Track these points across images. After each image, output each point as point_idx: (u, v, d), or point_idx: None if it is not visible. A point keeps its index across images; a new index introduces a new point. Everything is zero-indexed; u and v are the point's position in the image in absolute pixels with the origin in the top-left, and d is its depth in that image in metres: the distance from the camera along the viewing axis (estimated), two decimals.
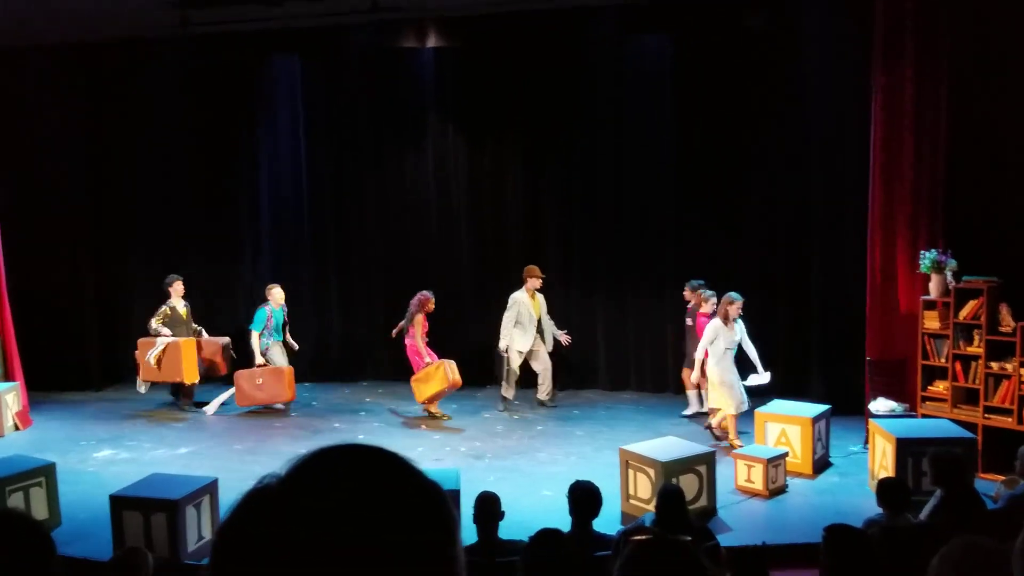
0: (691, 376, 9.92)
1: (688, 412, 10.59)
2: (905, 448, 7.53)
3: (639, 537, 2.45)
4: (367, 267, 12.56)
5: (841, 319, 9.76)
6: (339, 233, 12.73)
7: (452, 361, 10.58)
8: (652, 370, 11.43)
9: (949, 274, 8.72)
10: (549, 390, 11.15)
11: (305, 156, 12.66)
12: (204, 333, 11.52)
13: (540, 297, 11.02)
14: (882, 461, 7.87)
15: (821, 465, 8.72)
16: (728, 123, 11.14)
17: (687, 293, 10.50)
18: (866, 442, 8.58)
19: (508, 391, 11.01)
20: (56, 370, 12.55)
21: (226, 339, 11.48)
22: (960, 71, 9.02)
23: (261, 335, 11.16)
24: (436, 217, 12.37)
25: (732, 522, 7.45)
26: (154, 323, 11.08)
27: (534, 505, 7.60)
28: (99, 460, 9.59)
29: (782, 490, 8.12)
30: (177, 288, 11.24)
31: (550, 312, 11.16)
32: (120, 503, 6.83)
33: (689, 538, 2.58)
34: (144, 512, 6.73)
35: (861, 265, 9.71)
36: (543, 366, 11.07)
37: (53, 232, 12.39)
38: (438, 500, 1.04)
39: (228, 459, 9.38)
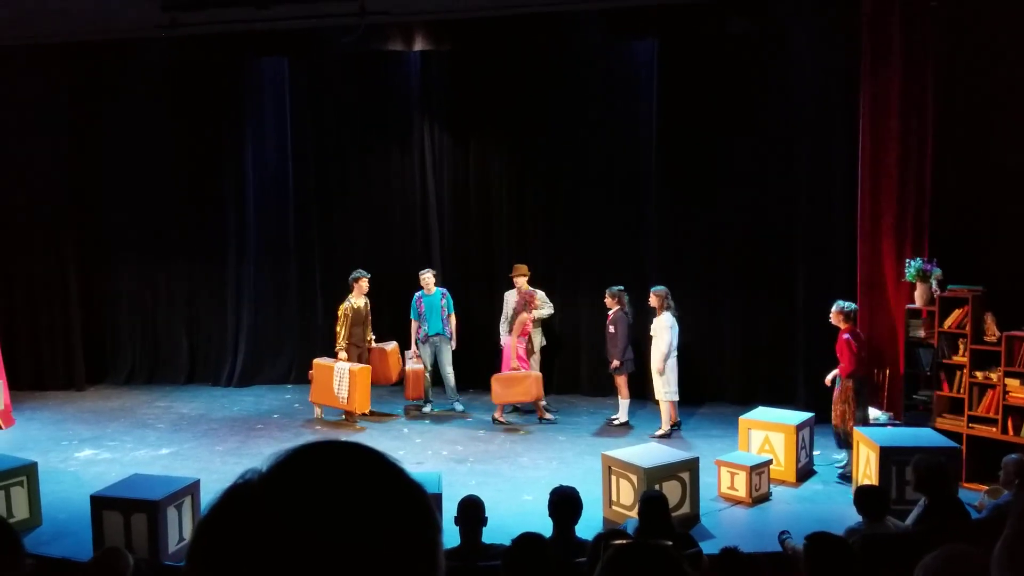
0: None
1: (618, 420, 10.55)
2: (888, 456, 7.53)
3: (620, 541, 2.43)
4: (352, 267, 12.54)
5: (827, 325, 9.77)
6: (324, 233, 12.71)
7: (540, 375, 10.52)
8: (635, 375, 11.35)
9: (934, 283, 8.74)
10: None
11: (291, 157, 12.64)
12: (374, 341, 11.03)
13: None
14: (866, 470, 7.88)
15: (805, 473, 8.73)
16: (714, 127, 11.15)
17: (608, 299, 10.46)
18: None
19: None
20: (39, 370, 12.50)
21: (394, 343, 11.14)
22: (947, 80, 9.07)
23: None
24: (421, 218, 12.36)
25: (715, 529, 7.45)
26: (340, 336, 10.57)
27: (515, 510, 7.57)
28: (80, 460, 9.54)
29: (765, 498, 8.13)
30: (362, 285, 10.78)
31: None
32: (100, 503, 6.79)
33: (670, 543, 2.57)
34: (124, 512, 6.70)
35: (847, 271, 9.75)
36: None
37: (36, 231, 12.33)
38: (419, 498, 1.03)
39: (210, 460, 9.35)
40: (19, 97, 11.97)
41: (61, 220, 12.40)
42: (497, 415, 10.63)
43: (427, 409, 11.10)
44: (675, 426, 10.14)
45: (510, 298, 10.95)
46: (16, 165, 12.15)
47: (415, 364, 10.98)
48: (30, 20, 10.37)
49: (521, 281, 10.85)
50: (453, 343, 10.98)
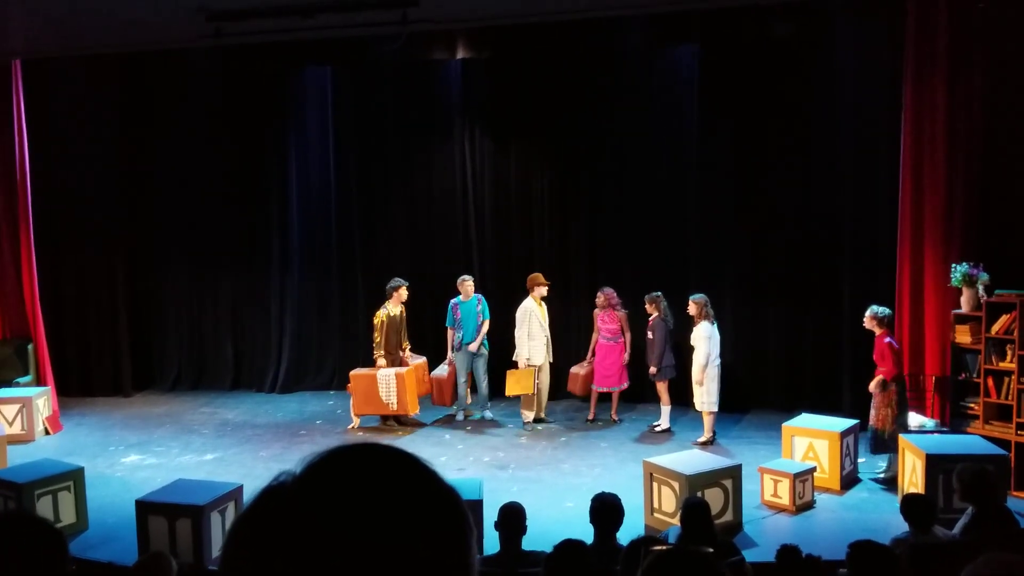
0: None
1: (660, 426, 10.47)
2: (935, 464, 7.42)
3: (659, 547, 2.43)
4: (393, 275, 12.61)
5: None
6: (366, 241, 12.80)
7: (587, 373, 10.73)
8: (677, 382, 11.29)
9: (981, 288, 8.60)
10: (544, 405, 10.96)
11: (334, 164, 12.75)
12: (408, 350, 11.01)
13: (544, 306, 10.89)
14: (912, 478, 7.76)
15: (849, 481, 8.61)
16: (757, 132, 11.08)
17: (648, 306, 10.38)
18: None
19: (530, 410, 10.80)
20: (86, 376, 12.71)
21: (423, 359, 11.12)
22: (994, 82, 8.91)
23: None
24: (462, 225, 12.41)
25: (758, 538, 7.38)
26: (377, 344, 10.59)
27: (556, 516, 7.57)
28: (127, 465, 9.69)
29: (809, 506, 8.04)
30: (401, 294, 10.71)
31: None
32: (146, 508, 6.89)
33: (711, 549, 2.55)
34: (169, 517, 6.79)
35: (893, 276, 9.61)
36: (544, 380, 10.88)
37: (85, 238, 12.55)
38: (452, 500, 1.03)
39: (253, 466, 9.45)
40: (70, 107, 12.22)
41: (110, 228, 12.61)
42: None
43: (459, 417, 11.10)
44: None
45: (530, 307, 10.71)
46: (67, 173, 12.38)
47: (440, 371, 10.99)
48: (81, 32, 10.56)
49: (541, 291, 10.72)
50: (474, 345, 10.85)
